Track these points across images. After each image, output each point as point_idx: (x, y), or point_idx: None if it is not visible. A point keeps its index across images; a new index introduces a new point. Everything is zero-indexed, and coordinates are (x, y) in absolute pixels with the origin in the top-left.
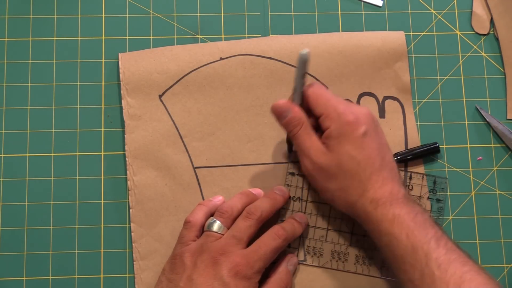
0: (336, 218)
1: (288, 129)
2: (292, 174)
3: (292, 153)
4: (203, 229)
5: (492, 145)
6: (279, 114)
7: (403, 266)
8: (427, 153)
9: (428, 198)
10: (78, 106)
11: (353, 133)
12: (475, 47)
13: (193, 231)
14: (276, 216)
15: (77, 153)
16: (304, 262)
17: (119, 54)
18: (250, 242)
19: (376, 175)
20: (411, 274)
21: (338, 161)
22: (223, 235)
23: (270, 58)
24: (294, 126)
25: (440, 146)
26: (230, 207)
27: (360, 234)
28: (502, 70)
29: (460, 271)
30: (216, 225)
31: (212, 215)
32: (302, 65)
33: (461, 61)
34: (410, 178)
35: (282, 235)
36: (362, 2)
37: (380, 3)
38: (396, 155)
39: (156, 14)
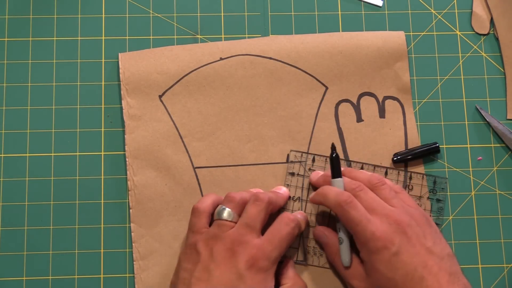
0: (336, 219)
1: (328, 257)
2: (292, 174)
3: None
4: (213, 217)
5: (492, 145)
6: (317, 239)
7: None
8: (427, 153)
9: (428, 198)
10: (78, 106)
11: (384, 256)
12: (475, 47)
13: (203, 218)
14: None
15: (77, 153)
16: (304, 262)
17: (119, 54)
18: (263, 229)
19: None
20: None
21: (377, 285)
22: (235, 222)
23: (270, 58)
24: (330, 254)
25: (440, 146)
26: (238, 194)
27: None
28: (502, 70)
29: None
30: (226, 212)
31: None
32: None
33: (461, 61)
34: (410, 178)
35: (294, 220)
36: (362, 2)
37: (380, 3)
38: (396, 155)
39: (156, 14)
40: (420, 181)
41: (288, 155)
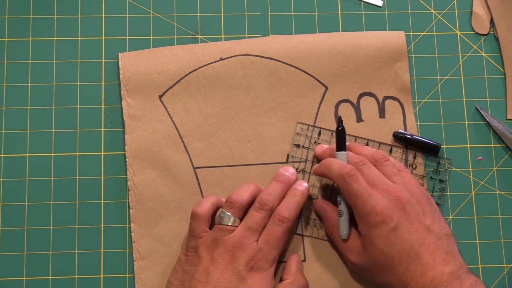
0: (337, 192)
1: (326, 230)
2: (297, 146)
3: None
4: (214, 221)
5: (492, 145)
6: (317, 212)
7: None
8: (428, 146)
9: (431, 178)
10: (78, 106)
11: (382, 231)
12: (475, 47)
13: (203, 223)
14: None
15: (77, 153)
16: (303, 234)
17: (119, 54)
18: None
19: (414, 264)
20: None
21: (373, 260)
22: (235, 226)
23: (270, 58)
24: (329, 227)
25: (440, 146)
26: (240, 197)
27: None
28: (502, 70)
29: None
30: (227, 218)
31: (218, 206)
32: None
33: (461, 61)
34: (414, 157)
35: (286, 218)
36: (362, 2)
37: (380, 3)
38: (397, 132)
39: (156, 14)
40: (424, 160)
41: (288, 155)
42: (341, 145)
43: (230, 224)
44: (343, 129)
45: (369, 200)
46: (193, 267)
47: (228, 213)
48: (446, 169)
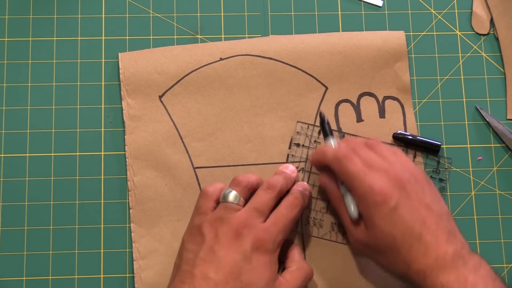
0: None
1: (334, 205)
2: (297, 145)
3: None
4: (219, 200)
5: (492, 145)
6: (322, 186)
7: None
8: (428, 145)
9: (431, 177)
10: (78, 106)
11: (382, 210)
12: (475, 47)
13: (210, 201)
14: None
15: (77, 153)
16: (303, 233)
17: (119, 54)
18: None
19: (417, 244)
20: None
21: (375, 239)
22: (241, 206)
23: (270, 59)
24: (335, 201)
25: (440, 145)
26: (246, 177)
27: None
28: (502, 70)
29: None
30: (232, 195)
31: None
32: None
33: (461, 61)
34: (414, 156)
35: (298, 204)
36: (362, 2)
37: (380, 3)
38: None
39: (156, 14)
40: (424, 160)
41: (288, 155)
42: (327, 133)
43: (235, 202)
44: (326, 119)
45: (367, 179)
46: (198, 245)
47: (233, 191)
48: (446, 169)
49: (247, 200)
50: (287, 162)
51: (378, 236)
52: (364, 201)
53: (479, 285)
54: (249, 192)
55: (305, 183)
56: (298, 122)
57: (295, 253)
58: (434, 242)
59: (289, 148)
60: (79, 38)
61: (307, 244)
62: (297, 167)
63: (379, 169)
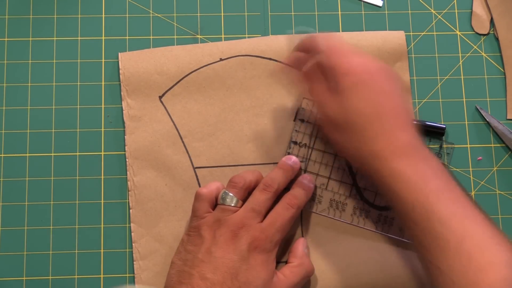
0: (339, 169)
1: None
2: (302, 120)
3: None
4: (216, 202)
5: (492, 145)
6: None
7: (407, 223)
8: (432, 129)
9: None
10: (78, 106)
11: (344, 84)
12: (475, 47)
13: (206, 203)
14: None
15: (77, 153)
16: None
17: (119, 54)
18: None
19: (371, 126)
20: (414, 230)
21: (335, 113)
22: (238, 207)
23: (270, 59)
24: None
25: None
26: (242, 178)
27: (361, 187)
28: (502, 70)
29: (461, 226)
30: (229, 198)
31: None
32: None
33: (461, 61)
34: None
35: (295, 204)
36: (362, 2)
37: (380, 3)
38: None
39: (156, 14)
40: (427, 143)
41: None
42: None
43: (232, 204)
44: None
45: (345, 53)
46: (196, 246)
47: (230, 194)
48: (447, 153)
49: (245, 199)
50: (292, 137)
51: (336, 111)
52: (334, 71)
53: (428, 173)
54: (246, 192)
55: (310, 176)
56: (303, 98)
57: (298, 248)
58: (388, 129)
59: (294, 120)
60: (79, 38)
61: (304, 218)
62: (299, 142)
63: (359, 53)
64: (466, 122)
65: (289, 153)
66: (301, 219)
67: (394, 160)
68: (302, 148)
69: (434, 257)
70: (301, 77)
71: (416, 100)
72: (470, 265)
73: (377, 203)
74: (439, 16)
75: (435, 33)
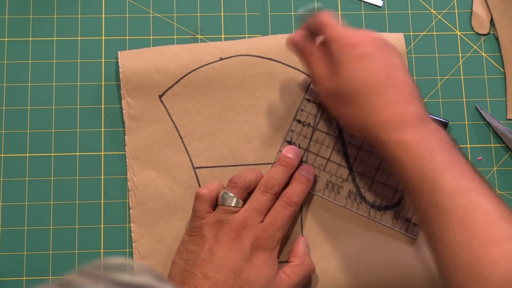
0: (338, 152)
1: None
2: (308, 100)
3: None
4: (217, 202)
5: (492, 145)
6: (293, 48)
7: (412, 195)
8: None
9: None
10: (78, 106)
11: (349, 55)
12: (475, 47)
13: (206, 204)
14: None
15: (77, 153)
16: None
17: (119, 52)
18: None
19: (376, 97)
20: (419, 203)
21: (338, 85)
22: (239, 207)
23: (270, 59)
24: (305, 56)
25: (448, 122)
26: (243, 178)
27: (358, 171)
28: (502, 70)
29: (467, 199)
30: (230, 199)
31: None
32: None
33: (461, 61)
34: None
35: (294, 202)
36: (362, 2)
37: (380, 3)
38: None
39: (156, 14)
40: None
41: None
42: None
43: (233, 205)
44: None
45: (348, 29)
46: (198, 246)
47: (231, 194)
48: None
49: (246, 198)
50: (296, 114)
51: (341, 82)
52: (338, 42)
53: (435, 145)
54: (247, 192)
55: (310, 166)
56: (309, 87)
57: (299, 247)
58: (395, 100)
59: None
60: (79, 38)
61: (305, 218)
62: (304, 122)
63: (354, 30)
64: (466, 122)
65: (288, 142)
66: (301, 219)
67: (401, 131)
68: (305, 127)
69: (439, 230)
70: (306, 52)
71: None
72: (473, 239)
73: (368, 198)
74: (439, 16)
75: (435, 33)
